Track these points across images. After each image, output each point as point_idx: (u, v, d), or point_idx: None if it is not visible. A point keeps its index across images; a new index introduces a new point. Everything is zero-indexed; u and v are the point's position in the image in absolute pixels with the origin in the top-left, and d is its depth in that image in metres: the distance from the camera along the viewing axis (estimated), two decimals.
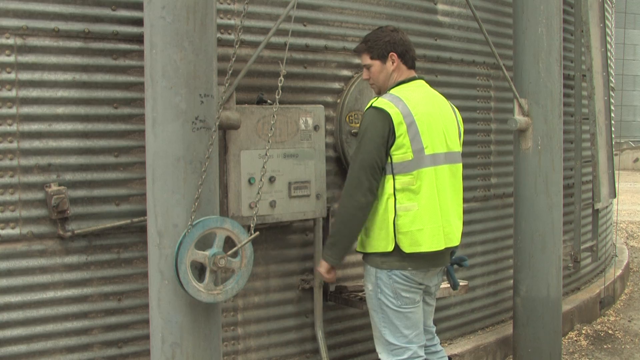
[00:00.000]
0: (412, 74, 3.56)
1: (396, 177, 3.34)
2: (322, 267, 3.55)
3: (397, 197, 3.34)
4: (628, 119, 25.03)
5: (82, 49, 3.49)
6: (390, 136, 3.31)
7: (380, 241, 3.39)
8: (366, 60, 3.55)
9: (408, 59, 3.52)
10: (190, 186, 2.96)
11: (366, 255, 3.50)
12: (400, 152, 3.33)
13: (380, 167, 3.33)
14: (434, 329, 3.75)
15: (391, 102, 3.34)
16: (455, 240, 3.54)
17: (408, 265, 3.39)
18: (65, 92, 3.46)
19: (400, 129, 3.31)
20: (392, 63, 3.50)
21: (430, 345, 3.71)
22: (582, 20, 5.91)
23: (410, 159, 3.33)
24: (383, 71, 3.52)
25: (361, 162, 3.32)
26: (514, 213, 4.94)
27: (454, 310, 5.16)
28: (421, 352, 3.48)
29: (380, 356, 3.53)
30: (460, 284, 4.67)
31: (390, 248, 3.36)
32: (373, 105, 3.37)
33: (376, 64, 3.52)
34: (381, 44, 3.49)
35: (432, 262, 3.47)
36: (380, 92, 3.58)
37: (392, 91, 3.46)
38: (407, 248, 3.35)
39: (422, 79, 3.59)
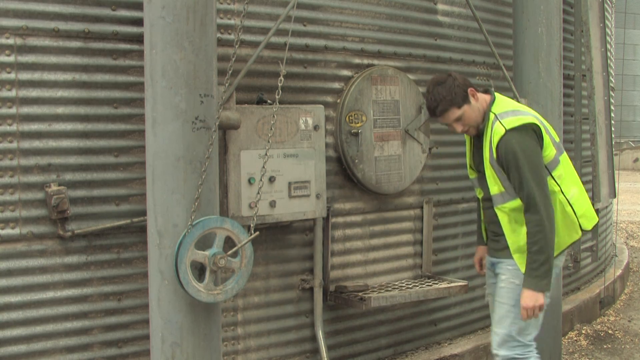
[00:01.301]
0: (487, 95, 3.60)
1: (552, 173, 3.51)
2: (540, 299, 3.35)
3: (562, 189, 3.51)
4: (628, 119, 25.03)
5: (82, 49, 3.49)
6: (540, 142, 3.45)
7: (565, 237, 3.54)
8: (455, 113, 3.50)
9: (476, 88, 3.58)
10: (190, 186, 2.96)
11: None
12: (548, 152, 3.49)
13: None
14: None
15: (520, 116, 3.44)
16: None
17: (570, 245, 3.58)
18: (65, 92, 3.46)
19: (543, 133, 3.47)
20: (474, 97, 3.51)
21: None
22: (582, 20, 5.91)
23: (555, 153, 3.52)
24: (474, 109, 3.51)
25: (539, 180, 3.36)
26: None
27: (454, 310, 5.16)
28: (537, 352, 3.55)
29: (497, 350, 3.53)
30: (460, 284, 4.67)
31: (578, 235, 3.57)
32: (509, 128, 3.38)
33: (466, 108, 3.49)
34: (457, 90, 3.47)
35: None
36: (478, 128, 3.56)
37: (497, 110, 3.49)
38: (588, 225, 3.58)
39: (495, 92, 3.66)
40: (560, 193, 3.50)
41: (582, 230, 3.57)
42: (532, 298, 3.34)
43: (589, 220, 3.59)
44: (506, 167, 3.40)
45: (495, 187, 3.49)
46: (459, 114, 3.49)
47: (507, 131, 3.38)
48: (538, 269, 3.33)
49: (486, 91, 3.63)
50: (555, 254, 3.44)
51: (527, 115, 3.47)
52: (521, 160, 3.35)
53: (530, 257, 3.35)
